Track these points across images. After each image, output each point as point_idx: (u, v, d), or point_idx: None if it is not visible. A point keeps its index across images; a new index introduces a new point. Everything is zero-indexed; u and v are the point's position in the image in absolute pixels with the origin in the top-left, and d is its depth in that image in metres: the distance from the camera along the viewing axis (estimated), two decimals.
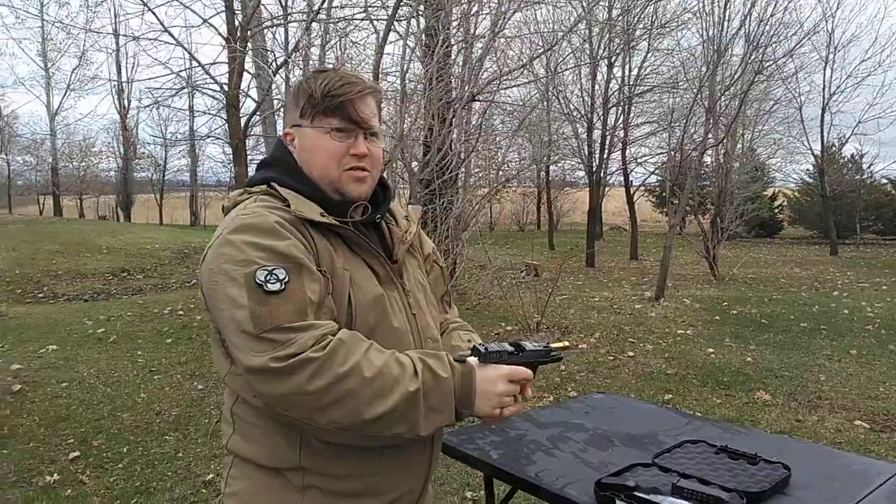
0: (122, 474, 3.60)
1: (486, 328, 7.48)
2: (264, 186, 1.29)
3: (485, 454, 1.92)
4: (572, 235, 20.53)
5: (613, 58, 14.80)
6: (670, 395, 5.08)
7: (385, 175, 1.43)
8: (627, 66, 15.47)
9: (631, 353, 6.34)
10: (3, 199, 32.80)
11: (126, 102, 29.33)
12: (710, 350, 6.46)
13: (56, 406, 4.71)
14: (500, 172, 7.47)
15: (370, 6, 5.62)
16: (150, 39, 7.51)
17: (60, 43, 26.82)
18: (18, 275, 11.06)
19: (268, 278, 1.10)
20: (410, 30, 5.52)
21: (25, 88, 45.02)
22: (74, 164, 32.03)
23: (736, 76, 9.56)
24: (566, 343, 1.39)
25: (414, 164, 5.09)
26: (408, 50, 5.16)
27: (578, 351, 6.45)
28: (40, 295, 9.96)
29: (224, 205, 1.34)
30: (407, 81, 5.18)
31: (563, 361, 6.06)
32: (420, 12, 5.85)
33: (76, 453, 3.87)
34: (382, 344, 1.20)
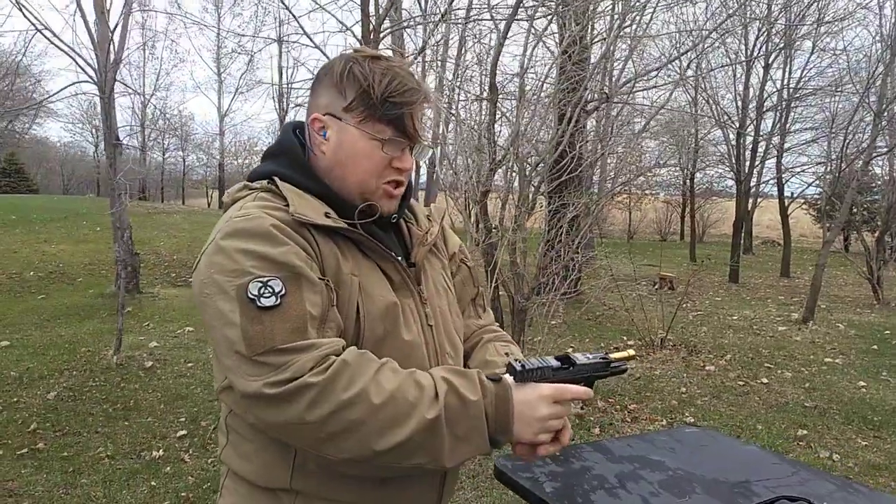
0: None
1: (607, 340, 7.13)
2: (265, 182, 1.15)
3: (537, 485, 1.72)
4: (718, 248, 19.22)
5: (771, 58, 13.66)
6: (805, 431, 4.51)
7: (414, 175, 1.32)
8: (787, 68, 14.22)
9: (765, 380, 5.74)
10: (179, 191, 36.42)
11: (285, 105, 31.41)
12: (862, 383, 5.70)
13: (178, 384, 5.02)
14: (621, 177, 7.07)
15: (494, 7, 5.50)
16: (291, 42, 7.86)
17: (232, 50, 29.17)
18: (175, 260, 12.08)
19: (262, 291, 0.97)
20: (534, 29, 5.34)
21: (201, 91, 49.56)
22: (239, 161, 34.91)
23: None
24: (631, 352, 1.18)
25: (533, 159, 4.89)
26: (529, 47, 4.97)
27: (705, 373, 5.94)
28: (191, 280, 10.79)
29: (223, 200, 1.21)
30: (527, 80, 5.00)
31: (683, 383, 5.62)
32: (547, 10, 5.64)
33: (184, 431, 4.08)
34: (392, 358, 1.07)
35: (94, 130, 33.29)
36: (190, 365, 5.55)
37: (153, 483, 3.38)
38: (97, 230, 13.91)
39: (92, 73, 8.04)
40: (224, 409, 1.17)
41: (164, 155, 34.47)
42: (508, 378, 1.04)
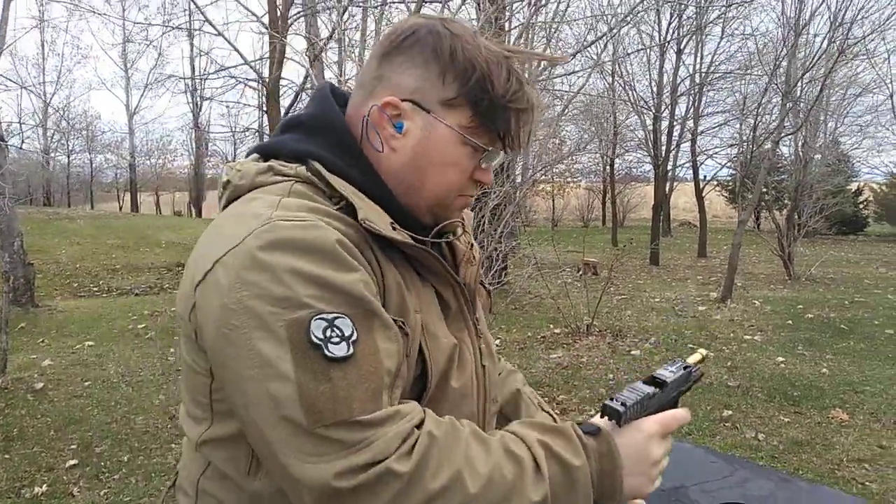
0: (116, 486, 3.36)
1: (534, 330, 7.04)
2: (302, 168, 0.84)
3: None
4: (639, 232, 19.67)
5: (683, 43, 14.00)
6: (730, 412, 4.51)
7: None
8: (699, 53, 14.63)
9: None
10: (88, 195, 34.47)
11: (198, 100, 30.09)
12: (780, 359, 5.81)
13: (72, 407, 4.56)
14: (540, 163, 7.00)
15: None
16: (196, 30, 7.41)
17: (139, 44, 27.69)
18: (78, 269, 11.30)
19: (329, 335, 0.70)
20: (448, 10, 5.14)
21: (107, 89, 47.09)
22: (151, 161, 33.34)
23: (816, 57, 8.71)
24: (704, 352, 1.01)
25: None
26: None
27: (631, 358, 5.91)
28: (95, 289, 10.10)
29: (229, 178, 0.87)
30: None
31: (610, 369, 5.58)
32: None
33: (74, 461, 3.66)
34: (441, 414, 0.83)
35: None
36: (87, 384, 5.07)
37: None
38: None
39: None
40: (197, 465, 0.88)
41: (69, 157, 32.50)
42: (607, 425, 0.83)
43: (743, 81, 14.03)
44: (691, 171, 16.22)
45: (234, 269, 0.72)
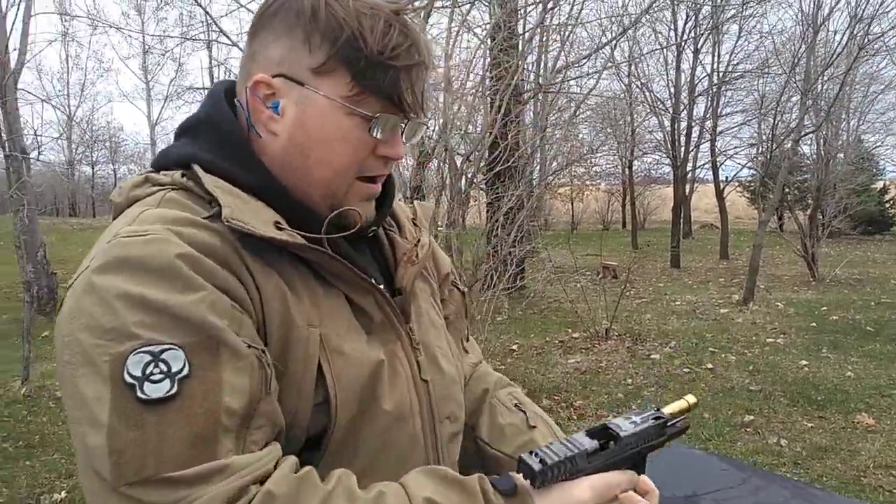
0: None
1: (552, 335, 6.99)
2: (178, 174, 0.75)
3: None
4: (659, 234, 19.47)
5: (700, 42, 13.86)
6: (751, 417, 4.43)
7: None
8: (716, 52, 14.48)
9: (710, 366, 5.68)
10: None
11: None
12: (804, 362, 5.70)
13: None
14: (555, 164, 6.97)
15: None
16: (213, 41, 7.48)
17: (158, 56, 28.09)
18: None
19: (149, 372, 0.59)
20: (459, 13, 5.14)
21: (128, 101, 47.83)
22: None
23: (835, 54, 8.57)
24: (690, 399, 0.86)
25: (464, 149, 4.68)
26: (453, 33, 4.76)
27: (651, 362, 5.84)
28: None
29: (112, 199, 0.79)
30: (452, 66, 4.79)
31: (629, 374, 5.51)
32: None
33: None
34: (365, 443, 0.74)
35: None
36: None
37: None
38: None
39: None
40: None
41: (93, 168, 33.00)
42: (525, 485, 0.70)
43: (762, 80, 13.87)
44: (711, 173, 16.07)
45: (74, 297, 0.64)
